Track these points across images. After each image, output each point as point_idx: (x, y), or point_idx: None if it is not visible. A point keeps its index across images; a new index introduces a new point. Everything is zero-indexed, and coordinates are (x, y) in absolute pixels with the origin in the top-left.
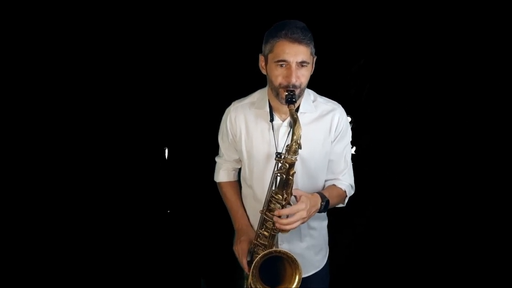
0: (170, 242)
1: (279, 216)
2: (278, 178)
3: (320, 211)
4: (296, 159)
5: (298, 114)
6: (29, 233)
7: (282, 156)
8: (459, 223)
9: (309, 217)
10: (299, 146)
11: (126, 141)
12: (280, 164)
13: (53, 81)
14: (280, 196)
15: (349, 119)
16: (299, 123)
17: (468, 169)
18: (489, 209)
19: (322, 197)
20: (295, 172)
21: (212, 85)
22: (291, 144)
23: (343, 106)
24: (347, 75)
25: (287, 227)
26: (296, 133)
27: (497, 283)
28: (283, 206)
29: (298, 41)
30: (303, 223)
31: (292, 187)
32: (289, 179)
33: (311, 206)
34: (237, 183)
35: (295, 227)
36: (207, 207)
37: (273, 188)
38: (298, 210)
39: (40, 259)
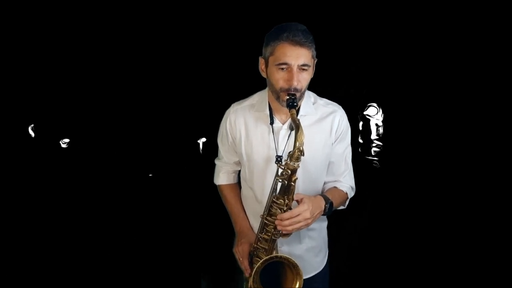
0: (171, 242)
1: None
2: (280, 183)
3: (324, 213)
4: (298, 166)
5: (299, 116)
6: (27, 233)
7: (284, 162)
8: (458, 225)
9: (313, 219)
10: (302, 153)
11: (127, 142)
12: (281, 170)
13: (53, 82)
14: (282, 201)
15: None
16: (301, 129)
17: (468, 169)
18: (489, 207)
19: (326, 199)
20: (297, 178)
21: (212, 87)
22: (293, 150)
23: (343, 106)
24: (347, 75)
25: (289, 228)
26: (298, 140)
27: (497, 283)
28: (284, 211)
29: (300, 43)
30: (307, 225)
31: (293, 192)
32: (291, 185)
33: (314, 207)
34: (237, 186)
35: (298, 228)
36: (207, 208)
37: (274, 193)
38: (300, 212)
39: (40, 259)
